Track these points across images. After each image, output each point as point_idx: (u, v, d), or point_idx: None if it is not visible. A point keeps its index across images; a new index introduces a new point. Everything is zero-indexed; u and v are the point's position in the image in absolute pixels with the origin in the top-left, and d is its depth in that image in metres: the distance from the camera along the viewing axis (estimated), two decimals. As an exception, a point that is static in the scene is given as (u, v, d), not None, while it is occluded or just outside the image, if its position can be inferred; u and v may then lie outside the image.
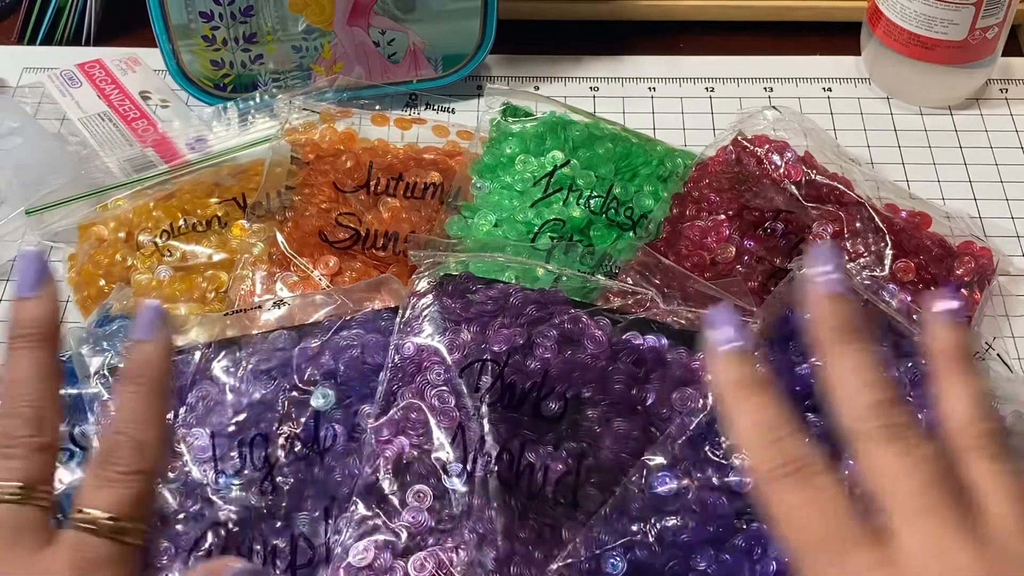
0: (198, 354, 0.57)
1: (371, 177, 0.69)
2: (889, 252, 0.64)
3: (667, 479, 0.51)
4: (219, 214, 0.68)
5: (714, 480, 0.51)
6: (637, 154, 0.71)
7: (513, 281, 0.61)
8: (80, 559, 0.43)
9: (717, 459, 0.51)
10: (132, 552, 0.45)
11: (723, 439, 0.52)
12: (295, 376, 0.56)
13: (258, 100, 0.76)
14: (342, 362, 0.56)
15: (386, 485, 0.51)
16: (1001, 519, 0.39)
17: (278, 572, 0.51)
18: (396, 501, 0.51)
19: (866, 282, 0.59)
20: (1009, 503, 0.39)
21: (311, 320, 0.60)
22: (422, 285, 0.58)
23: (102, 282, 0.66)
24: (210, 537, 0.51)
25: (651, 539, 0.49)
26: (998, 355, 0.61)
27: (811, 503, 0.39)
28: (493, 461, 0.50)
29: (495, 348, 0.54)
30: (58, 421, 0.46)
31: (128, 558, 0.44)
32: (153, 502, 0.47)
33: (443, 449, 0.52)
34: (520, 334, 0.55)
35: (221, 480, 0.53)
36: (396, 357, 0.55)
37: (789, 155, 0.69)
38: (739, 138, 0.71)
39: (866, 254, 0.64)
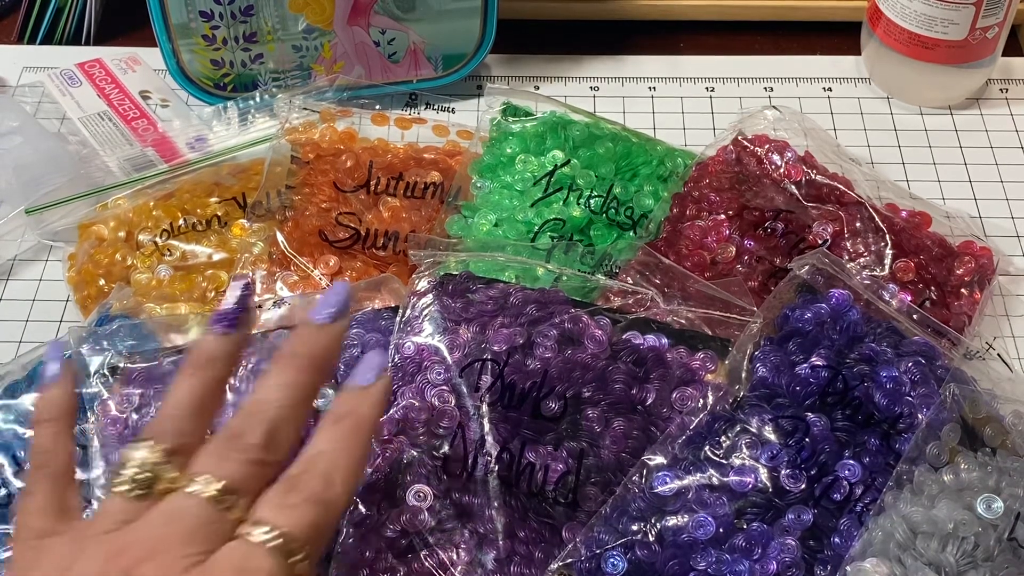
0: (198, 353, 0.57)
1: (371, 176, 0.69)
2: (889, 252, 0.64)
3: (667, 479, 0.51)
4: (219, 213, 0.68)
5: (714, 480, 0.51)
6: (637, 154, 0.71)
7: (513, 281, 0.61)
8: (240, 568, 0.41)
9: (717, 459, 0.51)
10: None
11: (723, 439, 0.52)
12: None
13: (258, 99, 0.76)
14: (342, 361, 0.56)
15: (386, 485, 0.51)
16: None
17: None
18: (396, 500, 0.51)
19: (866, 282, 0.59)
20: None
21: (311, 320, 0.60)
22: (422, 284, 0.58)
23: (102, 282, 0.66)
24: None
25: (651, 539, 0.49)
26: (998, 355, 0.61)
27: None
28: (493, 461, 0.50)
29: (495, 347, 0.54)
30: (288, 447, 0.45)
31: None
32: (330, 536, 0.45)
33: (443, 449, 0.52)
34: (520, 334, 0.55)
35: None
36: (396, 356, 0.55)
37: (789, 155, 0.69)
38: (739, 138, 0.71)
39: (866, 254, 0.64)
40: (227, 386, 0.48)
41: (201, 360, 0.47)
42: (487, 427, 0.52)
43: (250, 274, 0.49)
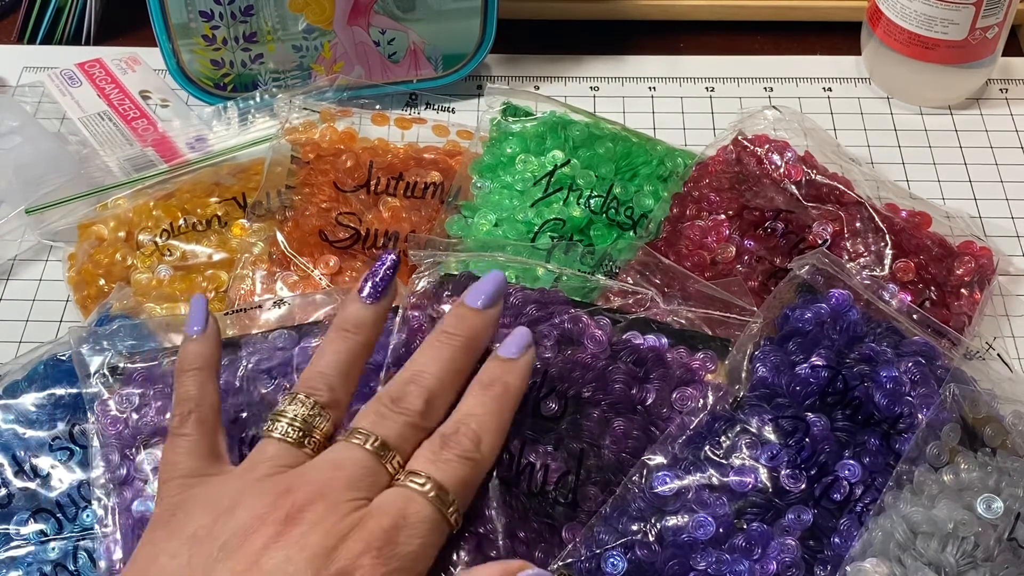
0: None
1: (371, 176, 0.69)
2: (889, 252, 0.64)
3: (667, 479, 0.51)
4: (219, 213, 0.68)
5: (714, 480, 0.51)
6: (637, 154, 0.71)
7: (513, 281, 0.60)
8: (402, 512, 0.45)
9: (717, 459, 0.51)
10: (446, 531, 0.46)
11: (723, 439, 0.52)
12: (295, 375, 0.56)
13: (258, 99, 0.76)
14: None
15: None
16: None
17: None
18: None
19: (866, 282, 0.59)
20: None
21: (311, 319, 0.60)
22: (422, 285, 0.58)
23: (102, 282, 0.66)
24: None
25: (651, 539, 0.49)
26: (998, 355, 0.61)
27: None
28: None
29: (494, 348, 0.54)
30: (441, 416, 0.49)
31: (441, 534, 0.46)
32: (474, 494, 0.48)
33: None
34: (520, 334, 0.55)
35: (221, 479, 0.53)
36: (396, 357, 0.55)
37: (789, 155, 0.69)
38: (739, 138, 0.71)
39: (866, 254, 0.64)
40: (371, 349, 0.52)
41: (349, 325, 0.51)
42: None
43: (396, 251, 0.53)
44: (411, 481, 0.46)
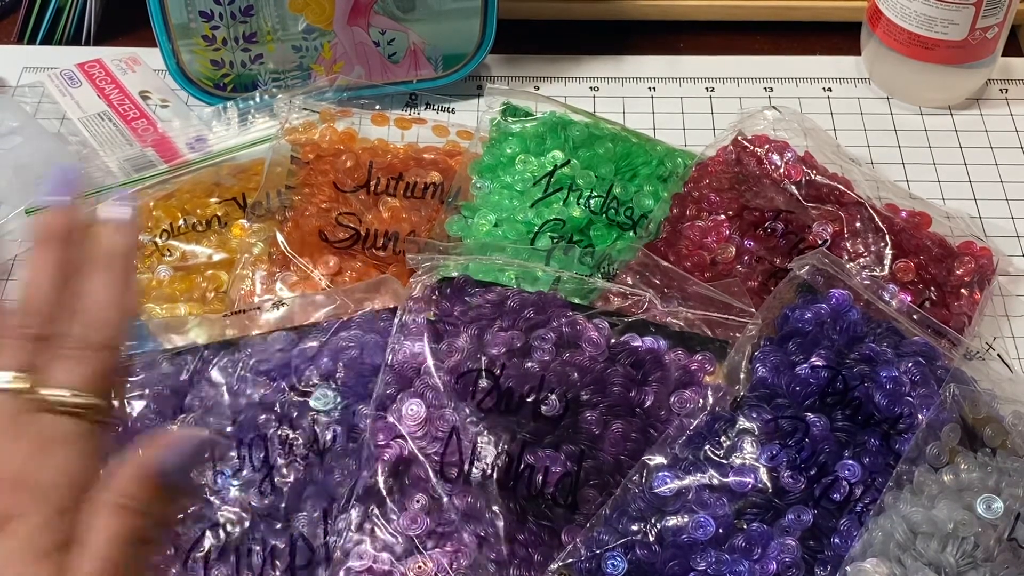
0: (197, 355, 0.57)
1: (371, 177, 0.69)
2: (889, 252, 0.64)
3: (667, 479, 0.51)
4: (219, 214, 0.68)
5: (714, 480, 0.51)
6: (637, 154, 0.71)
7: (513, 282, 0.60)
8: (40, 439, 0.42)
9: (717, 459, 0.51)
10: (97, 428, 0.43)
11: (723, 439, 0.52)
12: (294, 377, 0.56)
13: (258, 100, 0.76)
14: (341, 363, 0.56)
15: (384, 488, 0.51)
16: None
17: (277, 573, 0.51)
18: (395, 504, 0.51)
19: (866, 282, 0.59)
20: None
21: (311, 320, 0.60)
22: (420, 288, 0.58)
23: (102, 282, 0.66)
24: (209, 537, 0.51)
25: (651, 539, 0.49)
26: (998, 355, 0.61)
27: None
28: (491, 463, 0.50)
29: (492, 351, 0.54)
30: (59, 315, 0.45)
31: (92, 434, 0.43)
32: (113, 377, 0.45)
33: (440, 452, 0.52)
34: (518, 337, 0.55)
35: (220, 481, 0.53)
36: (393, 359, 0.55)
37: (789, 155, 0.69)
38: (739, 138, 0.71)
39: (866, 254, 0.64)
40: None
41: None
42: (485, 430, 0.52)
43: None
44: (34, 401, 0.42)
